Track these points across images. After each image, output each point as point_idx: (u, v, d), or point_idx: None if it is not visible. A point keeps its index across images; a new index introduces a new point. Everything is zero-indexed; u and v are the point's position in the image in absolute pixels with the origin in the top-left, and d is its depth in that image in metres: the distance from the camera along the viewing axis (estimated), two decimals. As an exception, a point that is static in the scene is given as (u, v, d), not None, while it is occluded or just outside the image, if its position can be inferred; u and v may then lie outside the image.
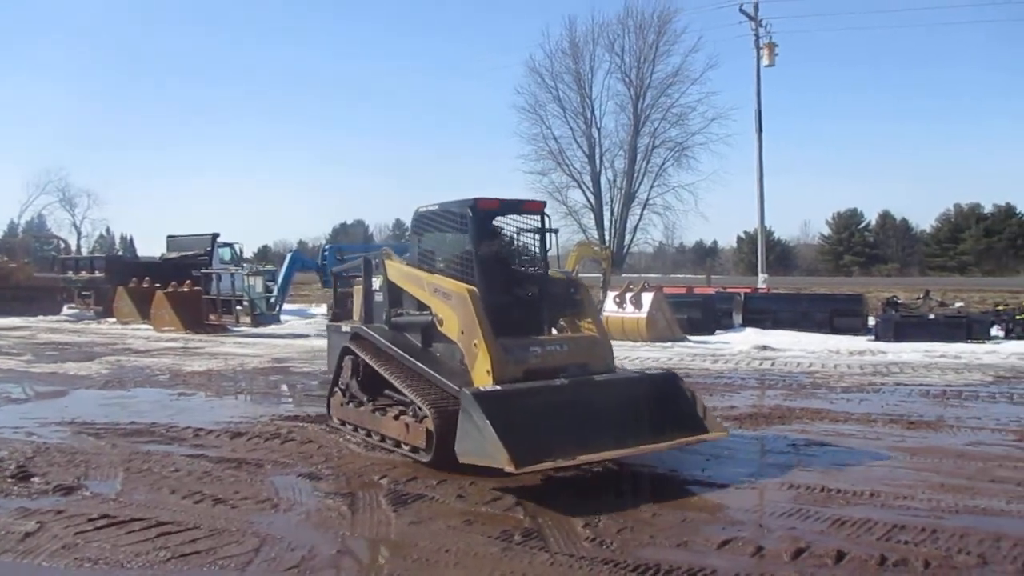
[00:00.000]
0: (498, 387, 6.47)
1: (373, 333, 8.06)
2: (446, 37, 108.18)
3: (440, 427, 6.66)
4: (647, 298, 18.50)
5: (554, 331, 7.77)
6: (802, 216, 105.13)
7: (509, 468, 5.71)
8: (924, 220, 74.16)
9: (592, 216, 53.05)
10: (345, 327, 8.76)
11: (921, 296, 21.84)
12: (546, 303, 7.59)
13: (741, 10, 30.94)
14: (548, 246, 7.69)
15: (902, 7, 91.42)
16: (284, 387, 12.57)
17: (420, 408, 6.95)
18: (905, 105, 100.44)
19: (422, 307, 7.63)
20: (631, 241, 54.21)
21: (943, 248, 67.44)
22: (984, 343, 17.45)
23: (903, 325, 18.34)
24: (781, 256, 68.26)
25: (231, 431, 8.61)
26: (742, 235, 71.20)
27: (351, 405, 8.19)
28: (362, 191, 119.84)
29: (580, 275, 7.94)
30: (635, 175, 52.03)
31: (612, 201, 53.44)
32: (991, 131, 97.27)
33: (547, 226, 7.70)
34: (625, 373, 7.80)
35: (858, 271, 65.70)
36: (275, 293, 23.29)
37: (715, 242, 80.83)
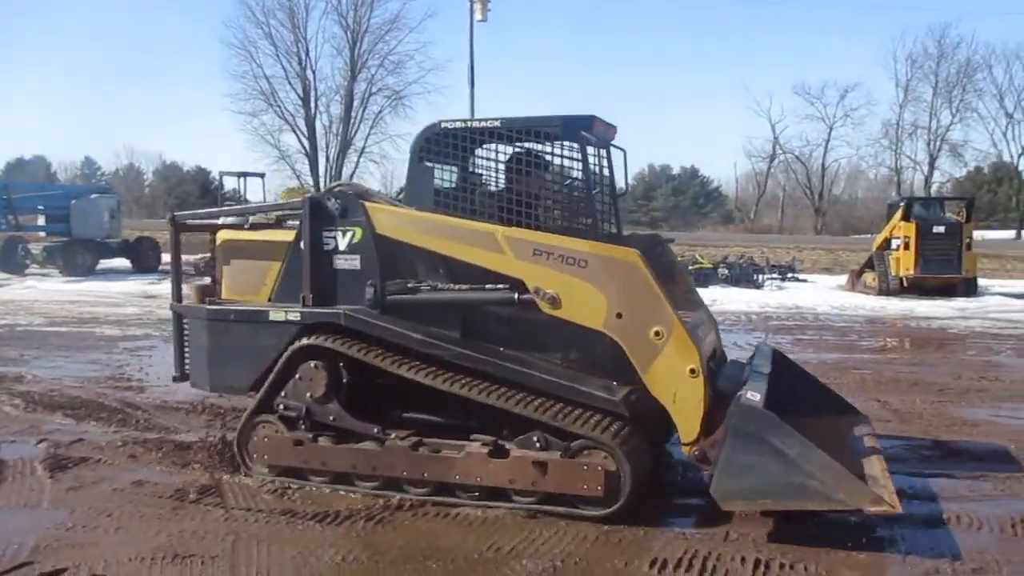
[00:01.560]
0: (757, 396, 4.49)
1: (381, 322, 5.07)
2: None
3: (637, 465, 4.60)
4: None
5: None
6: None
7: (877, 509, 4.13)
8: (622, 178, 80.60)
9: (307, 162, 51.32)
10: (283, 313, 5.27)
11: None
12: None
13: (456, -39, 31.06)
14: (624, 189, 5.80)
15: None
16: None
17: (576, 437, 4.62)
18: (611, 64, 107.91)
19: (452, 276, 5.09)
20: (347, 189, 53.36)
21: (639, 204, 73.69)
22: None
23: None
24: (493, 208, 70.96)
25: None
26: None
27: (327, 441, 5.13)
28: (42, 125, 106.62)
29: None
30: (352, 122, 51.04)
31: (328, 147, 52.09)
32: (677, 96, 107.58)
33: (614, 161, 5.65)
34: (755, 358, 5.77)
35: (563, 224, 70.02)
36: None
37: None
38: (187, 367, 5.86)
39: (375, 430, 5.03)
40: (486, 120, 5.26)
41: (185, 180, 62.37)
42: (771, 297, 18.63)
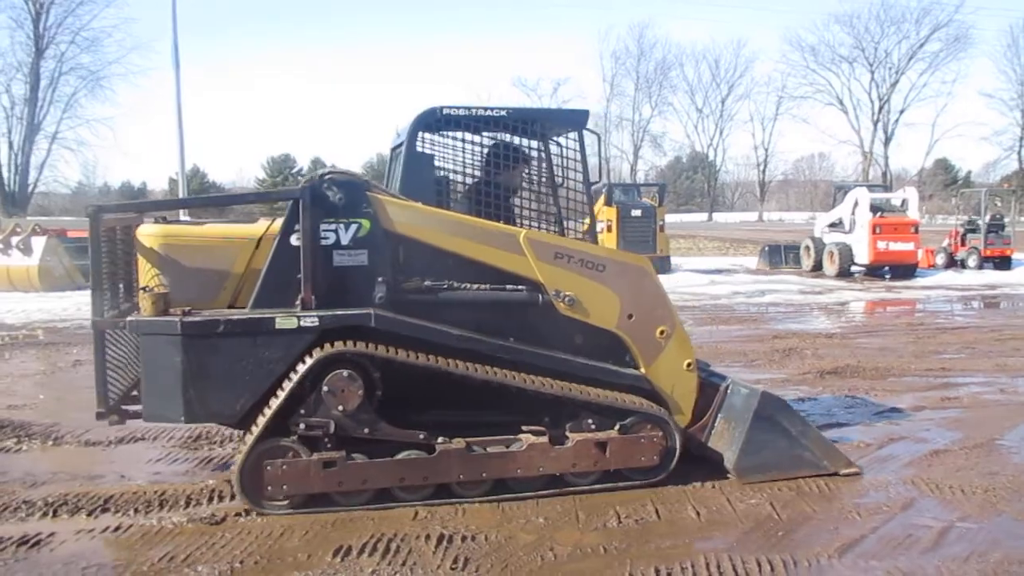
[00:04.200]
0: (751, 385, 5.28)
1: (418, 321, 4.67)
2: None
3: (685, 436, 5.12)
4: (38, 243, 16.42)
5: None
6: (238, 160, 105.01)
7: (848, 471, 5.18)
8: (353, 165, 79.75)
9: (-13, 148, 45.34)
10: (294, 319, 4.51)
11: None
12: None
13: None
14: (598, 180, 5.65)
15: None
16: None
17: (628, 414, 4.92)
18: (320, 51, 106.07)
19: (462, 274, 4.83)
20: (38, 179, 47.87)
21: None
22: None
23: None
24: (216, 199, 67.26)
25: None
26: (174, 176, 68.23)
27: (359, 455, 4.57)
28: None
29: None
30: (39, 104, 45.78)
31: (11, 132, 46.31)
32: (400, 88, 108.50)
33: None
34: None
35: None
36: None
37: (144, 183, 76.14)
38: (112, 397, 4.84)
39: (421, 436, 4.65)
40: (491, 108, 5.09)
41: None
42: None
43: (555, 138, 5.31)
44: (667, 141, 73.50)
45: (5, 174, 45.27)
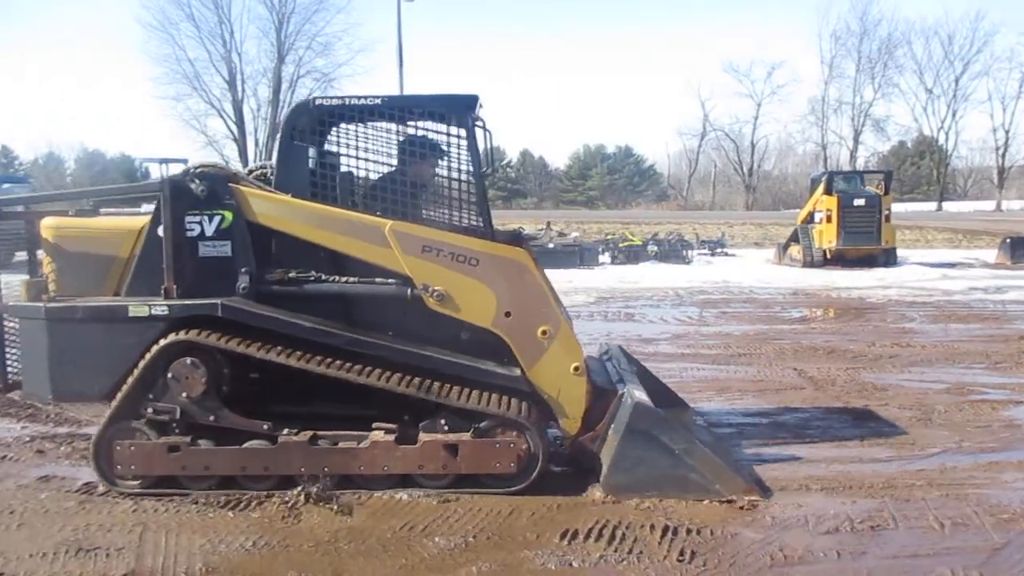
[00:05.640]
0: (643, 395, 4.87)
1: (266, 312, 4.72)
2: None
3: (545, 439, 4.81)
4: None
5: None
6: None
7: (749, 498, 4.56)
8: (559, 159, 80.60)
9: (236, 147, 50.33)
10: (146, 308, 4.70)
11: (543, 227, 23.86)
12: None
13: (382, -60, 30.60)
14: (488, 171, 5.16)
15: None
16: None
17: (485, 417, 4.69)
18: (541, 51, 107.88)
19: (333, 266, 4.87)
20: (278, 175, 52.51)
21: (574, 184, 74.14)
22: (592, 268, 19.62)
23: (527, 254, 19.93)
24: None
25: None
26: (392, 170, 72.12)
27: (208, 444, 4.71)
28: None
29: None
30: (280, 105, 50.08)
31: (257, 132, 51.16)
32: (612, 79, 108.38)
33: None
34: None
35: (501, 204, 69.94)
36: None
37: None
38: (12, 374, 5.13)
39: (265, 427, 4.71)
40: (366, 97, 4.91)
41: (109, 168, 60.52)
42: (699, 272, 18.95)
43: (475, 125, 4.95)
44: (891, 125, 68.55)
45: (250, 170, 50.02)
